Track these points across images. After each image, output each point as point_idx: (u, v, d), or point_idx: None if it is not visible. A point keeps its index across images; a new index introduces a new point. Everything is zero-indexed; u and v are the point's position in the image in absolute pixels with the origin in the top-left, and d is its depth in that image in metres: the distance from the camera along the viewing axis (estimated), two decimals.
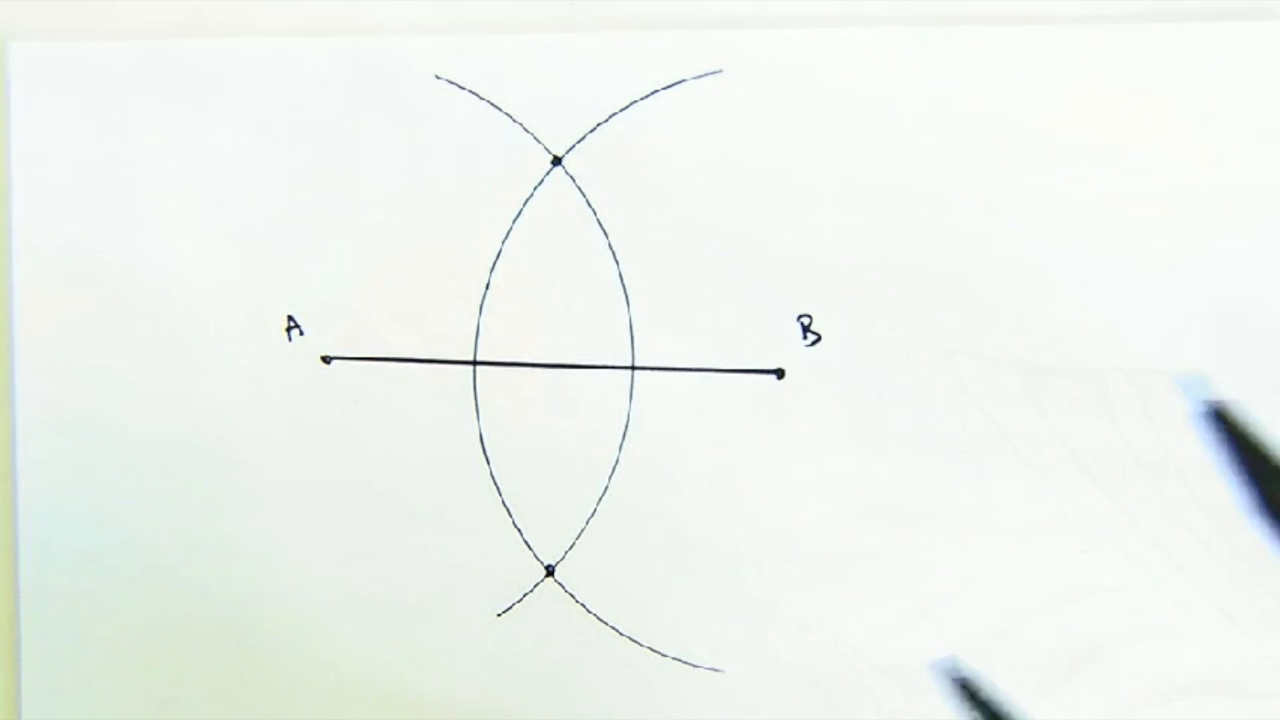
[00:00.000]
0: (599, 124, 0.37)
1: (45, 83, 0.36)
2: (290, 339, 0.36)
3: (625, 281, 0.37)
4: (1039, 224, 0.37)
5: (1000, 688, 0.32)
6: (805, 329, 0.37)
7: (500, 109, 0.36)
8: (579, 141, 0.37)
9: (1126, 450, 0.36)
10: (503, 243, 0.36)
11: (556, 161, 0.37)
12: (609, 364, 0.37)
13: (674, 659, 0.37)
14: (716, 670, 0.37)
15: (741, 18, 0.37)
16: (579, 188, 0.37)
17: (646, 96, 0.37)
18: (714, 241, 0.37)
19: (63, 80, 0.35)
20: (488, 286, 0.37)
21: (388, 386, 0.36)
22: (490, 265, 0.37)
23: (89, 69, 0.36)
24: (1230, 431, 0.28)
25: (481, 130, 0.36)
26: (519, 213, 0.37)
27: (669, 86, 0.37)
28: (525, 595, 0.37)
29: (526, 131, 0.36)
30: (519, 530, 0.37)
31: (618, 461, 0.37)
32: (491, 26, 0.36)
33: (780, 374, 0.37)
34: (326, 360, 0.36)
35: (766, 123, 0.37)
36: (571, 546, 0.37)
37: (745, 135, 0.37)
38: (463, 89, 0.36)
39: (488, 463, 0.37)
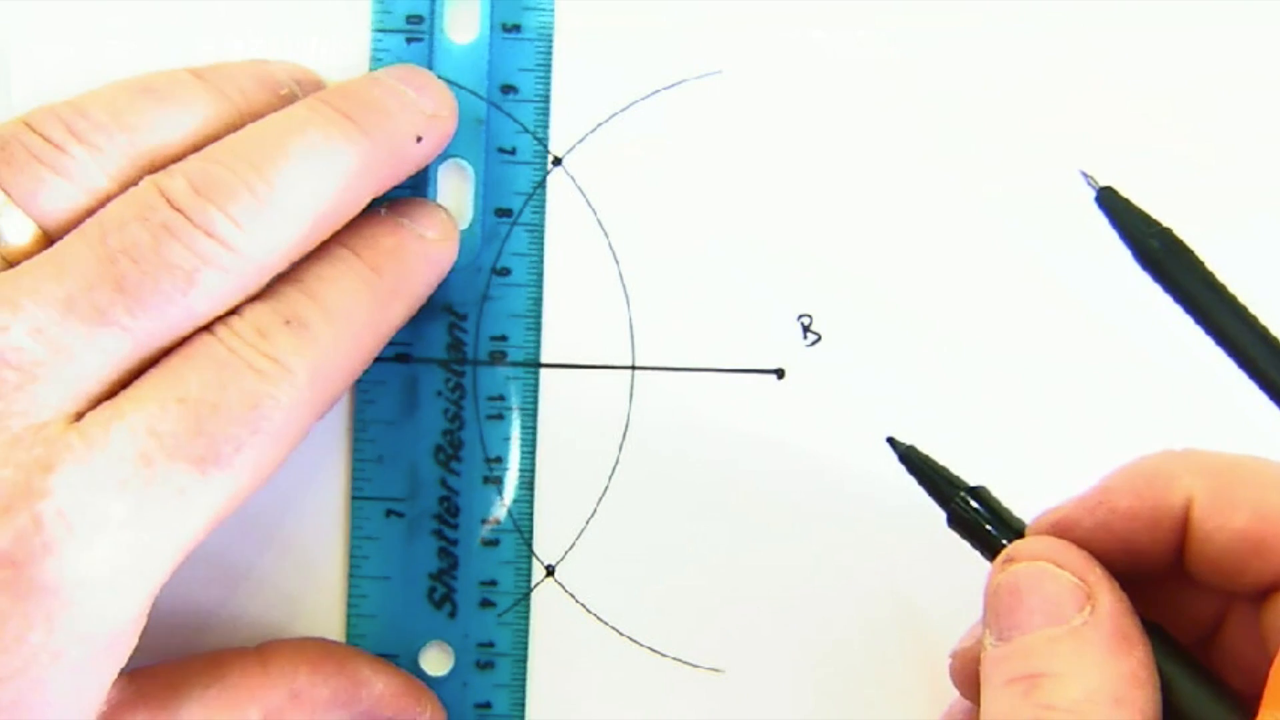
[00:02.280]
0: (599, 124, 0.37)
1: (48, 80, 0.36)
2: None
3: (625, 281, 0.37)
4: (1039, 224, 0.37)
5: None
6: (805, 329, 0.37)
7: (500, 109, 0.36)
8: (579, 142, 0.37)
9: None
10: (503, 243, 0.36)
11: (556, 162, 0.37)
12: (609, 364, 0.37)
13: (674, 659, 0.37)
14: (716, 670, 0.37)
15: (741, 18, 0.37)
16: (579, 188, 0.37)
17: (647, 97, 0.37)
18: (714, 241, 0.37)
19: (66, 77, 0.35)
20: (479, 290, 0.37)
21: (376, 388, 0.35)
22: (490, 265, 0.37)
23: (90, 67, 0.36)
24: None
25: (482, 130, 0.36)
26: (519, 213, 0.37)
27: (669, 86, 0.37)
28: (525, 595, 0.37)
29: (526, 131, 0.36)
30: (519, 530, 0.37)
31: (618, 461, 0.37)
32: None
33: (780, 374, 0.37)
34: None
35: (766, 123, 0.37)
36: (571, 546, 0.37)
37: (745, 135, 0.37)
38: (463, 89, 0.36)
39: (474, 466, 0.37)
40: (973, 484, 0.31)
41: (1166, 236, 0.29)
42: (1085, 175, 0.30)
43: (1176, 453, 0.29)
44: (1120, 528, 0.29)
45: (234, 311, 0.31)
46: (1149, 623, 0.29)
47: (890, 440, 0.32)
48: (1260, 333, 0.28)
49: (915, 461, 0.32)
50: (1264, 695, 0.26)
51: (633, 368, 0.37)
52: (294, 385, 0.30)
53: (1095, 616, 0.28)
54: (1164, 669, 0.28)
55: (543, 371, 0.37)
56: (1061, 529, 0.30)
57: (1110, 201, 0.29)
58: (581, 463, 0.37)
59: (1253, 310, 0.29)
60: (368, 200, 0.33)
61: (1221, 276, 0.29)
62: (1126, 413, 0.37)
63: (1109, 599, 0.28)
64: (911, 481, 0.32)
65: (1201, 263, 0.29)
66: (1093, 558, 0.29)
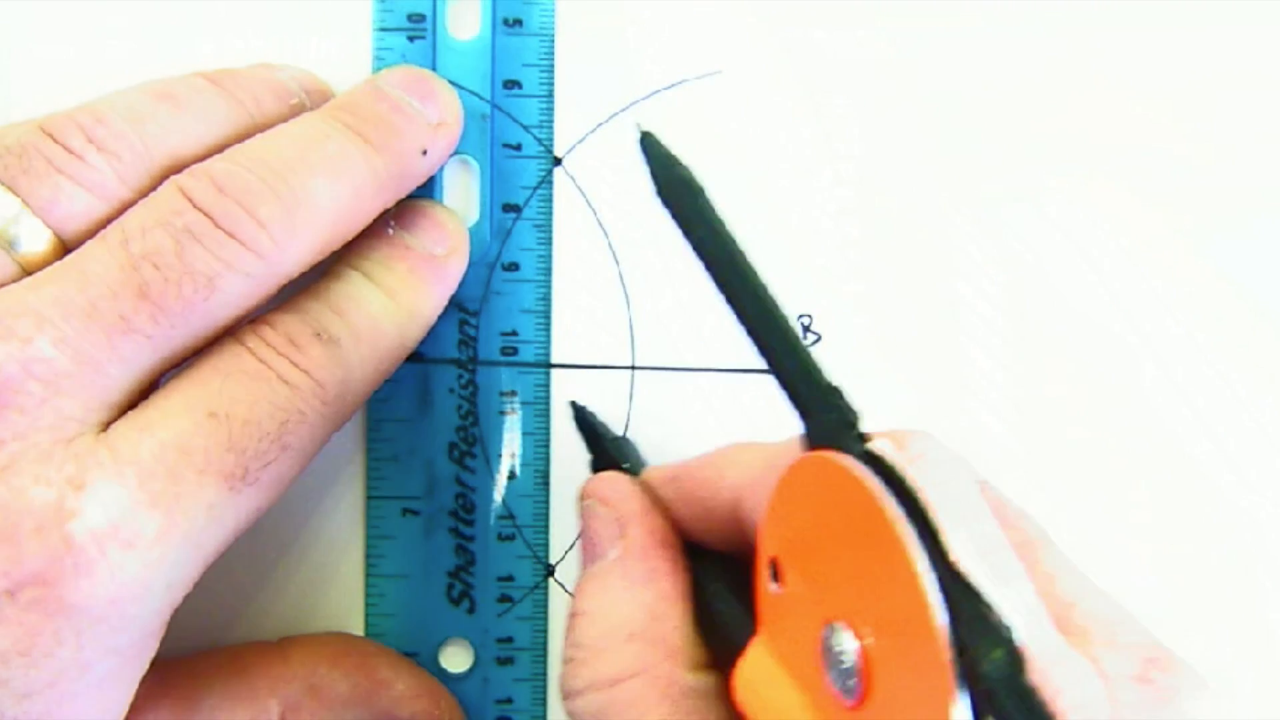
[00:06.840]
0: (599, 124, 0.37)
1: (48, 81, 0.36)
2: None
3: (625, 281, 0.37)
4: (1039, 224, 0.37)
5: None
6: (805, 329, 0.37)
7: (500, 109, 0.36)
8: (579, 142, 0.37)
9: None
10: (503, 243, 0.36)
11: (556, 162, 0.37)
12: (609, 364, 0.37)
13: None
14: None
15: (741, 18, 0.37)
16: (579, 188, 0.37)
17: (647, 97, 0.37)
18: None
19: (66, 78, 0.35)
20: (488, 286, 0.37)
21: (389, 387, 0.35)
22: (499, 261, 0.37)
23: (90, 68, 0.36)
24: None
25: (487, 126, 0.36)
26: (525, 207, 0.37)
27: (669, 87, 0.37)
28: (525, 595, 0.37)
29: (527, 131, 0.36)
30: (519, 530, 0.37)
31: None
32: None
33: None
34: None
35: (766, 123, 0.37)
36: (571, 546, 0.37)
37: (745, 135, 0.37)
38: (463, 89, 0.36)
39: (488, 463, 0.37)
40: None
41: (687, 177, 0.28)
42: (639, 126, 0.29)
43: (728, 450, 0.29)
44: (691, 507, 0.29)
45: (263, 321, 0.31)
46: (701, 549, 0.29)
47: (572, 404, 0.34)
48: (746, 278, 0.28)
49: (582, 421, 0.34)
50: (758, 620, 0.27)
51: (633, 368, 0.37)
52: (323, 400, 0.31)
53: (623, 551, 0.28)
54: (710, 592, 0.28)
55: (544, 372, 0.37)
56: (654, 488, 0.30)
57: (648, 146, 0.29)
58: (581, 463, 0.37)
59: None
60: (376, 215, 0.33)
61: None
62: (1124, 411, 0.37)
63: (637, 532, 0.28)
64: None
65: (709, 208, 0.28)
66: (642, 494, 0.29)
